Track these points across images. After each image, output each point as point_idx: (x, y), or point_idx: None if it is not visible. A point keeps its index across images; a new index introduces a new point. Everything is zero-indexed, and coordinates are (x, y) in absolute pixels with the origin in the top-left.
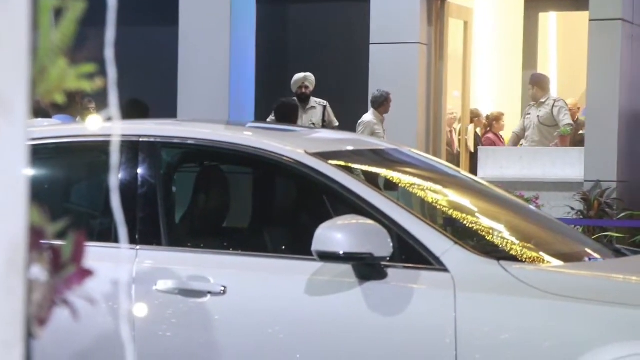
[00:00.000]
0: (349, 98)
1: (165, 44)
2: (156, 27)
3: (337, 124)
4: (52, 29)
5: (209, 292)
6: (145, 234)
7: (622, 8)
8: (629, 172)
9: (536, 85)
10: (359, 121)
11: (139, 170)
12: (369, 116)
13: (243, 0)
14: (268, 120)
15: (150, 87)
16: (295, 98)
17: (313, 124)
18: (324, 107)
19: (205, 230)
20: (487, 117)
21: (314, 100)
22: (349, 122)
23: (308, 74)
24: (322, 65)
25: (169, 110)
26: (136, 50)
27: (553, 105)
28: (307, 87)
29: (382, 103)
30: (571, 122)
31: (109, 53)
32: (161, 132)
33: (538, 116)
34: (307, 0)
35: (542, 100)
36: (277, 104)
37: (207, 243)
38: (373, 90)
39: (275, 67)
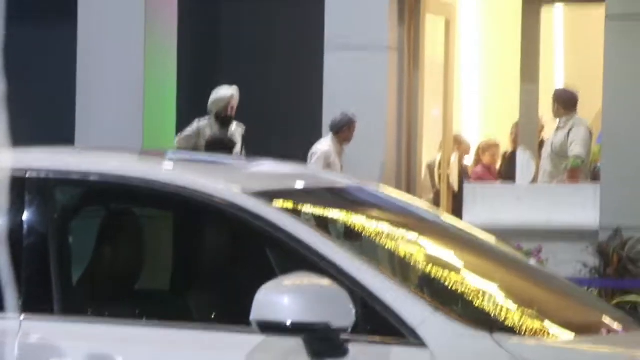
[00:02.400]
0: (298, 120)
1: (60, 48)
2: (48, 26)
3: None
4: None
5: None
6: (32, 298)
7: None
8: None
9: (557, 101)
10: (312, 150)
11: (25, 215)
12: (325, 144)
13: None
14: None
15: (40, 104)
16: (222, 118)
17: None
18: (243, 131)
19: (112, 294)
20: (477, 146)
21: (235, 122)
22: (297, 151)
23: (235, 88)
24: (262, 78)
25: (65, 135)
26: (22, 56)
27: (570, 130)
28: (233, 108)
29: (342, 128)
30: (580, 153)
31: None
32: (55, 164)
33: (552, 143)
34: None
35: (561, 124)
36: (209, 139)
37: (115, 310)
38: (327, 109)
39: (202, 78)
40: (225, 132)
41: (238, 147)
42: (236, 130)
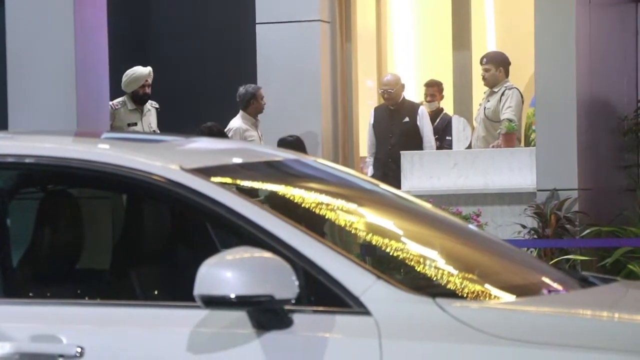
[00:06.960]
0: (230, 96)
1: None
2: None
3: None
4: None
5: (61, 356)
6: None
7: None
8: (592, 177)
9: (501, 65)
10: (226, 129)
11: None
12: (237, 121)
13: None
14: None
15: None
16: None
17: (154, 130)
18: (157, 110)
19: (53, 275)
20: None
21: (149, 101)
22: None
23: (149, 68)
24: (195, 53)
25: None
26: None
27: (502, 94)
28: (149, 86)
29: (249, 101)
30: (512, 117)
31: None
32: None
33: (485, 107)
34: None
35: (496, 88)
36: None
37: (56, 291)
38: (261, 82)
39: (135, 56)
40: (141, 110)
41: (154, 125)
42: (151, 108)
